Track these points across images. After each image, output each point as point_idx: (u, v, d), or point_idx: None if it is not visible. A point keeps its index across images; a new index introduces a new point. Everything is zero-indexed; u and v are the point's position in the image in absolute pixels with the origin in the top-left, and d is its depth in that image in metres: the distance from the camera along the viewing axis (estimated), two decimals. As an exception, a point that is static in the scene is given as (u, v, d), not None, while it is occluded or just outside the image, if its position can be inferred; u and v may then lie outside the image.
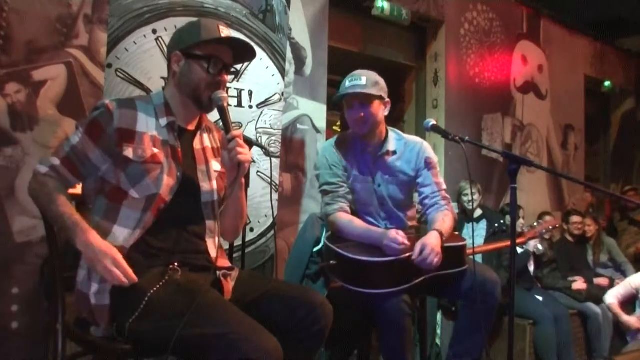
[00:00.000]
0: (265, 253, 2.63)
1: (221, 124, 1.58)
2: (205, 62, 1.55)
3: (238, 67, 1.88)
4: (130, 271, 1.39)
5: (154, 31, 2.59)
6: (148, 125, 1.54)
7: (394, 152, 2.22)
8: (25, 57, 2.27)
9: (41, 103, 2.31)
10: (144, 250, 1.49)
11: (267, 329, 1.38)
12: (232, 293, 1.58)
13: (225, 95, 1.57)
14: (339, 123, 5.55)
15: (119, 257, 1.39)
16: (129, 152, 1.49)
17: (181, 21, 2.70)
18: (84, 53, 2.42)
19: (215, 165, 1.66)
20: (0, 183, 2.22)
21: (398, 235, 1.97)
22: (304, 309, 1.53)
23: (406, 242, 1.96)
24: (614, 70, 6.40)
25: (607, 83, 6.25)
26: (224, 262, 1.66)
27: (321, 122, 3.57)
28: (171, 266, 1.47)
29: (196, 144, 1.64)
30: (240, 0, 2.41)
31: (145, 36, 2.56)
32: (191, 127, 1.64)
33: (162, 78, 2.64)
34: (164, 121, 1.56)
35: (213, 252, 1.61)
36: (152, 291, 1.40)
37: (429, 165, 2.24)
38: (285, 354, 1.37)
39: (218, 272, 1.57)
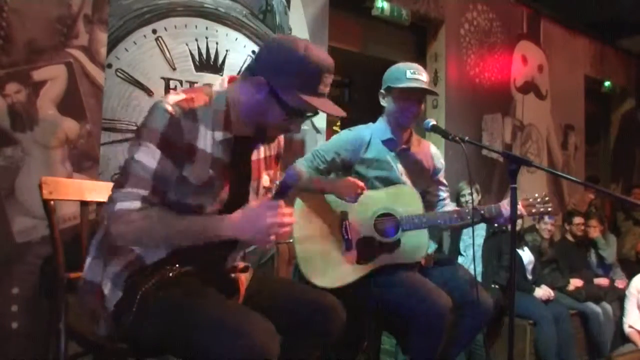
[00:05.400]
0: (265, 253, 2.63)
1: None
2: None
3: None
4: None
5: (154, 31, 2.59)
6: (206, 141, 1.37)
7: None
8: (25, 57, 2.27)
9: (41, 103, 2.31)
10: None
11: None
12: (245, 292, 1.55)
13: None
14: (338, 123, 5.54)
15: (271, 202, 1.29)
16: (188, 172, 1.36)
17: (181, 21, 2.71)
18: (84, 53, 2.41)
19: (265, 180, 1.55)
20: (0, 183, 2.21)
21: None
22: (316, 313, 1.51)
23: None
24: (614, 70, 6.39)
25: (607, 83, 6.24)
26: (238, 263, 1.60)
27: (321, 122, 3.56)
28: (169, 267, 1.43)
29: (254, 155, 1.51)
30: (240, 0, 2.41)
31: (145, 36, 2.57)
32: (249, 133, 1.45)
33: (162, 78, 2.65)
34: (219, 135, 1.39)
35: (230, 263, 1.55)
36: (143, 289, 1.36)
37: None
38: (288, 354, 1.36)
39: (232, 275, 1.54)
